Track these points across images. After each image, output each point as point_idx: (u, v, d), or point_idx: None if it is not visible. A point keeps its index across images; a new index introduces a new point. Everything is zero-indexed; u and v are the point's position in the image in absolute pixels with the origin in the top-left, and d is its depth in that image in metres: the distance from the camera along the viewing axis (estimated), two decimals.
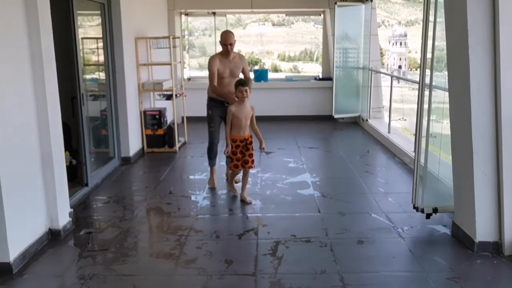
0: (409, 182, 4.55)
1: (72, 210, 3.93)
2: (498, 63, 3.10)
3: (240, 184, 4.74)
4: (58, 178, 3.64)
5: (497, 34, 3.08)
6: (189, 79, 9.21)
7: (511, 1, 3.04)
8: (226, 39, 4.60)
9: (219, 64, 4.66)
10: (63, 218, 3.73)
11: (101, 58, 5.57)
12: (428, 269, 3.09)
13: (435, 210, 3.77)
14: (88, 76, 5.47)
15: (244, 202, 4.44)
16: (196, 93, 8.45)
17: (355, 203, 4.50)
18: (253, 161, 4.50)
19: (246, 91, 4.34)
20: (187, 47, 10.01)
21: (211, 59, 4.72)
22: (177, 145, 6.66)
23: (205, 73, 9.94)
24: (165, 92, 6.72)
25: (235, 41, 4.68)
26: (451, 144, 3.57)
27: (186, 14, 9.44)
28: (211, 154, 4.98)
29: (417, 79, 3.86)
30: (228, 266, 3.16)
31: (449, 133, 3.59)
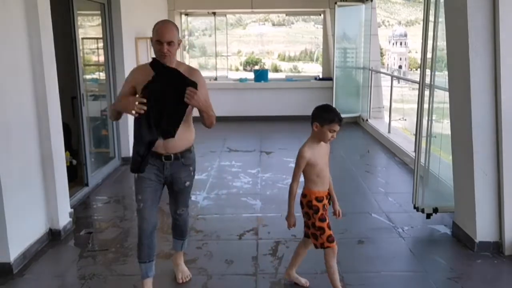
0: (409, 182, 4.55)
1: (72, 210, 3.93)
2: (498, 63, 3.10)
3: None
4: (59, 178, 3.64)
5: (497, 34, 3.08)
6: None
7: (511, 1, 3.04)
8: (162, 34, 2.43)
9: (141, 78, 2.49)
10: (64, 218, 3.73)
11: (101, 58, 5.57)
12: (428, 269, 3.09)
13: (436, 210, 3.77)
14: (88, 76, 5.48)
15: (297, 284, 2.93)
16: None
17: (355, 203, 4.50)
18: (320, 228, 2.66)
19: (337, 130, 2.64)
20: (187, 47, 10.02)
21: (132, 70, 2.67)
22: None
23: (206, 73, 9.99)
24: None
25: (180, 41, 2.54)
26: (451, 144, 3.57)
27: (186, 14, 9.45)
28: (142, 253, 2.66)
29: (417, 79, 3.87)
30: (228, 266, 3.16)
31: (449, 133, 3.59)
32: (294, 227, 2.71)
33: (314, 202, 2.63)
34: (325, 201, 2.68)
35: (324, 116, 2.59)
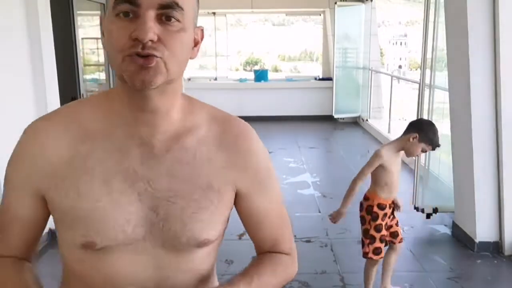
0: (409, 182, 4.55)
1: None
2: (498, 63, 3.10)
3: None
4: None
5: (497, 34, 3.08)
6: (189, 79, 9.21)
7: (511, 1, 3.04)
8: None
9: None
10: None
11: (101, 58, 5.57)
12: (428, 269, 3.09)
13: (435, 210, 3.77)
14: (88, 76, 5.47)
15: None
16: (196, 93, 8.47)
17: (356, 203, 4.49)
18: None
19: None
20: None
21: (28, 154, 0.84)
22: None
23: (206, 73, 9.99)
24: None
25: (200, 28, 0.82)
26: (451, 144, 3.57)
27: None
28: None
29: (417, 79, 3.87)
30: (228, 266, 3.16)
31: (449, 133, 3.59)
32: (335, 223, 2.60)
33: (375, 209, 2.50)
34: (388, 211, 2.53)
35: (430, 137, 2.43)
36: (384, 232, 2.54)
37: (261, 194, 0.89)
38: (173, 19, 0.71)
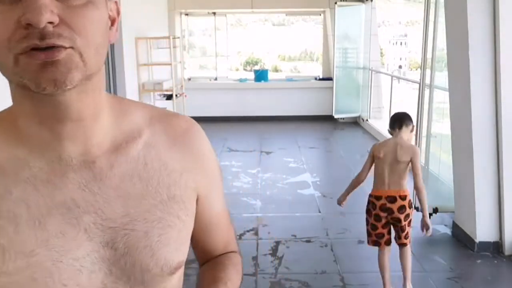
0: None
1: None
2: (498, 63, 3.10)
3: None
4: None
5: (497, 34, 3.08)
6: (189, 79, 9.22)
7: (511, 1, 3.04)
8: None
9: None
10: None
11: None
12: (428, 269, 3.09)
13: (436, 210, 3.77)
14: None
15: None
16: (196, 93, 8.50)
17: (355, 203, 4.49)
18: (407, 234, 2.70)
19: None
20: (187, 47, 10.02)
21: None
22: None
23: (206, 73, 10.00)
24: (165, 92, 6.72)
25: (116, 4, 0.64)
26: (451, 144, 3.57)
27: (186, 14, 9.45)
28: None
29: (417, 79, 3.87)
30: None
31: (449, 133, 3.59)
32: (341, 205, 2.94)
33: (371, 199, 2.74)
34: (384, 202, 2.65)
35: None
36: (373, 223, 2.71)
37: (217, 196, 0.79)
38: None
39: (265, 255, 3.32)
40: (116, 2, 0.62)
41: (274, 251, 3.38)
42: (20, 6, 0.50)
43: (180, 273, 0.72)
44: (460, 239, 3.50)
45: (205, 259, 0.85)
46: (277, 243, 3.51)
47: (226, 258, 0.84)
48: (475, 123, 3.20)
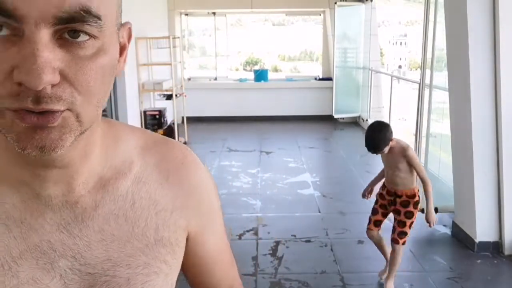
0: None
1: None
2: (498, 63, 3.10)
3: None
4: None
5: (497, 34, 3.08)
6: (189, 79, 9.21)
7: (511, 1, 3.05)
8: None
9: None
10: None
11: None
12: (428, 269, 3.09)
13: (435, 210, 3.76)
14: None
15: None
16: (196, 93, 8.50)
17: (355, 203, 4.50)
18: (402, 232, 2.73)
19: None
20: (187, 47, 10.02)
21: None
22: None
23: (206, 73, 10.00)
24: (165, 92, 6.72)
25: (127, 28, 0.54)
26: (451, 144, 3.57)
27: (186, 14, 9.45)
28: None
29: (417, 79, 3.87)
30: None
31: (449, 133, 3.59)
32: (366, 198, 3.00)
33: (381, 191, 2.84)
34: (384, 193, 2.79)
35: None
36: (377, 206, 2.84)
37: (213, 232, 0.70)
38: (83, 36, 0.43)
39: (265, 255, 3.32)
40: (130, 27, 0.53)
41: (274, 251, 3.38)
42: (14, 48, 0.41)
43: None
44: (460, 239, 3.50)
45: None
46: (277, 243, 3.51)
47: None
48: (475, 123, 3.20)
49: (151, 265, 0.58)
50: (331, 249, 3.40)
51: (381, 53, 10.81)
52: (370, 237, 2.89)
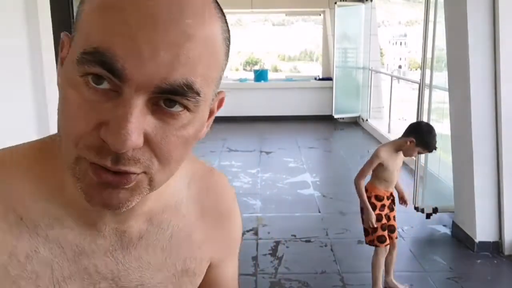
0: (409, 182, 4.55)
1: None
2: (498, 63, 3.11)
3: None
4: None
5: (497, 34, 3.08)
6: None
7: (511, 1, 3.05)
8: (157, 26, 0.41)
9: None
10: None
11: None
12: (428, 269, 3.09)
13: (435, 210, 3.77)
14: None
15: None
16: None
17: (355, 203, 4.47)
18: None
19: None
20: None
21: None
22: None
23: None
24: None
25: (221, 95, 0.54)
26: (451, 144, 3.57)
27: None
28: None
29: (417, 79, 3.87)
30: None
31: (449, 133, 3.59)
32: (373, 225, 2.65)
33: (373, 200, 2.66)
34: (385, 202, 2.68)
35: (427, 141, 2.55)
36: (385, 221, 2.66)
37: (232, 261, 0.75)
38: (178, 107, 0.44)
39: (265, 255, 3.32)
40: (223, 97, 0.54)
41: (274, 251, 3.38)
42: (112, 105, 0.42)
43: None
44: (460, 239, 3.50)
45: None
46: (277, 243, 3.51)
47: None
48: (475, 123, 3.20)
49: None
50: (331, 249, 3.40)
51: (381, 53, 10.80)
52: (383, 261, 2.73)
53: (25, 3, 3.30)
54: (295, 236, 3.61)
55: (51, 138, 0.55)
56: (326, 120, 8.66)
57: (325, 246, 3.46)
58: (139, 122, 0.41)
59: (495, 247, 3.30)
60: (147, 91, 0.41)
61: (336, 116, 8.53)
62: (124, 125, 0.40)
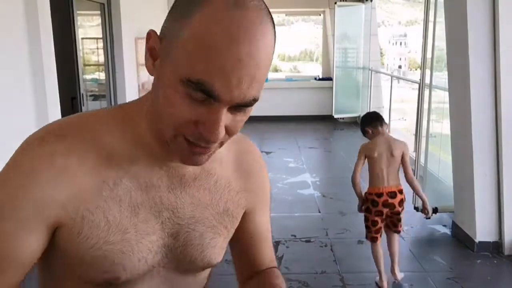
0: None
1: None
2: (498, 63, 3.11)
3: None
4: None
5: (497, 34, 3.08)
6: None
7: (511, 1, 3.05)
8: (237, 69, 0.61)
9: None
10: None
11: (101, 58, 5.57)
12: (428, 269, 3.09)
13: (435, 210, 3.76)
14: (88, 76, 5.47)
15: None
16: None
17: (355, 203, 4.49)
18: (401, 223, 2.87)
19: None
20: None
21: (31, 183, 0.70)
22: None
23: None
24: None
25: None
26: (451, 144, 3.57)
27: None
28: None
29: (417, 79, 3.87)
30: (228, 266, 3.15)
31: (449, 133, 3.59)
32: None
33: (373, 197, 2.83)
34: (380, 199, 2.77)
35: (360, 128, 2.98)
36: (373, 219, 2.81)
37: (264, 213, 0.91)
38: (245, 108, 0.65)
39: None
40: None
41: (273, 251, 3.37)
42: (206, 109, 0.62)
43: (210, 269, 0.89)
44: (460, 239, 3.50)
45: (248, 273, 0.94)
46: (277, 243, 3.51)
47: (275, 273, 0.91)
48: (475, 123, 3.20)
49: (217, 227, 0.80)
50: (331, 249, 3.39)
51: (381, 53, 10.80)
52: (374, 248, 2.88)
53: (25, 3, 3.30)
54: (295, 236, 3.61)
55: (123, 108, 0.76)
56: (326, 120, 8.66)
57: (325, 246, 3.46)
58: (223, 123, 0.63)
59: (495, 247, 3.30)
60: (230, 104, 0.62)
61: (336, 116, 8.53)
62: (216, 126, 0.62)
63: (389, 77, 7.96)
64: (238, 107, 0.63)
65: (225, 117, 0.63)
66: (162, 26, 0.68)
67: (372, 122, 2.88)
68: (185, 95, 0.61)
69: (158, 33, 0.68)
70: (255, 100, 0.64)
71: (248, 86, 0.61)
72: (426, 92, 3.70)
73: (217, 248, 0.81)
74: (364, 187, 2.92)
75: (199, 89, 0.59)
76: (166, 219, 0.75)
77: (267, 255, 0.94)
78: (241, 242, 0.90)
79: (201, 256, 0.79)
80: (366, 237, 2.90)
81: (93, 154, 0.69)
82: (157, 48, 0.66)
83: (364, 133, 2.94)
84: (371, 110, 8.26)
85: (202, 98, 0.60)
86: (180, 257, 0.78)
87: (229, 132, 0.66)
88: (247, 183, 0.85)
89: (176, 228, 0.76)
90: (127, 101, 0.78)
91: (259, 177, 0.88)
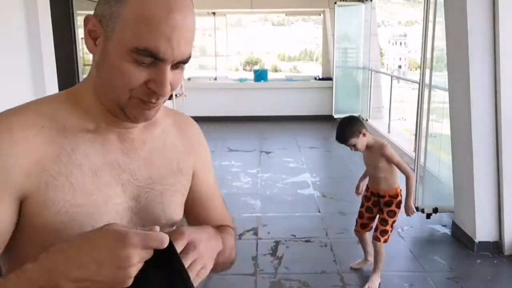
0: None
1: None
2: (498, 63, 3.10)
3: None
4: None
5: (497, 34, 3.08)
6: (189, 79, 9.22)
7: (511, 1, 3.05)
8: (175, 33, 0.73)
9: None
10: None
11: None
12: (428, 269, 3.09)
13: (435, 210, 3.77)
14: None
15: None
16: (196, 93, 8.49)
17: (355, 202, 4.48)
18: (384, 231, 2.81)
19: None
20: None
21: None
22: None
23: (206, 73, 10.00)
24: None
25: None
26: (451, 144, 3.57)
27: None
28: None
29: (417, 79, 3.87)
30: None
31: (449, 133, 3.59)
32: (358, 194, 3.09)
33: (368, 194, 2.95)
34: (369, 195, 2.91)
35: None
36: (362, 209, 2.98)
37: (209, 176, 1.00)
38: (182, 65, 0.77)
39: (265, 255, 3.32)
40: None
41: (273, 251, 3.38)
42: (149, 70, 0.73)
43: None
44: (460, 239, 3.50)
45: None
46: (277, 243, 3.51)
47: (223, 227, 0.97)
48: (475, 123, 3.20)
49: (175, 185, 0.89)
50: (331, 249, 3.40)
51: (381, 53, 10.81)
52: (358, 237, 3.07)
53: (25, 3, 3.30)
54: (295, 236, 3.61)
55: (72, 89, 0.83)
56: (326, 120, 8.65)
57: (325, 246, 3.46)
58: (169, 78, 0.74)
59: (495, 247, 3.31)
60: (173, 63, 0.73)
61: (336, 116, 8.52)
62: (165, 83, 0.73)
63: (389, 77, 7.95)
64: (177, 64, 0.75)
65: (169, 74, 0.74)
66: (97, 10, 0.78)
67: (360, 122, 2.79)
68: (133, 62, 0.72)
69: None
70: (189, 57, 0.76)
71: (184, 46, 0.73)
72: (426, 92, 3.70)
73: (178, 205, 0.90)
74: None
75: (147, 55, 0.71)
76: (125, 181, 0.81)
77: (217, 217, 1.00)
78: (193, 203, 0.97)
79: (163, 213, 0.86)
80: (355, 226, 3.05)
81: (48, 126, 0.76)
82: (97, 30, 0.75)
83: (361, 136, 2.70)
84: (371, 110, 8.28)
85: (150, 61, 0.72)
86: (144, 218, 0.83)
87: (173, 86, 0.76)
88: (191, 146, 0.94)
89: (137, 191, 0.83)
90: None
91: (200, 141, 0.99)
